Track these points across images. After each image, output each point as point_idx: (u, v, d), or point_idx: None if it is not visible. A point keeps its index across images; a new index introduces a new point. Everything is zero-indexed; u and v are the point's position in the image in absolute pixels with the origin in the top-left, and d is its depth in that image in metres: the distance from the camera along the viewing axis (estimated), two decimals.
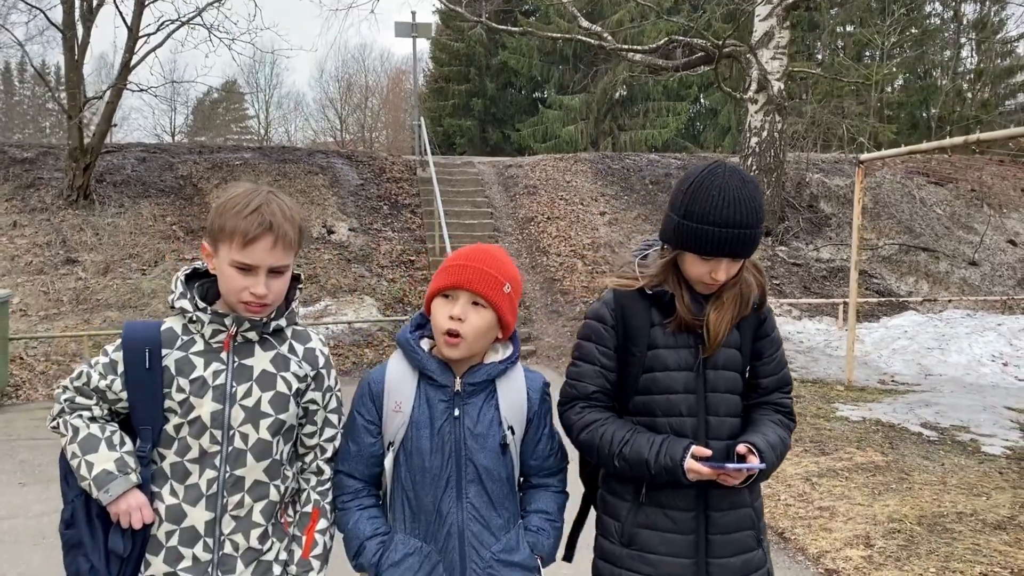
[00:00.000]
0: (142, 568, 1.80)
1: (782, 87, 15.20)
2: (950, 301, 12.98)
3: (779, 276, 14.01)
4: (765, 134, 15.22)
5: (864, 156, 8.24)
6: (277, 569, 1.88)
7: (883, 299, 13.23)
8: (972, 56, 39.49)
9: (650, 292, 1.98)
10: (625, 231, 14.76)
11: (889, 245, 14.98)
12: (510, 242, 14.13)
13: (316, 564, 1.93)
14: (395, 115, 49.02)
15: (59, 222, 12.72)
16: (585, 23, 16.53)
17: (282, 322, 1.88)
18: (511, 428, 1.91)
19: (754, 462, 1.86)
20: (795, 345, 10.56)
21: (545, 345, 11.08)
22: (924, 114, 37.69)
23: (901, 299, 13.29)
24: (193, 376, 1.80)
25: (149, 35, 13.32)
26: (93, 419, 1.83)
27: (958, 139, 6.69)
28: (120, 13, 13.12)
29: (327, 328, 10.92)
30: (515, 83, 37.86)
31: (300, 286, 1.97)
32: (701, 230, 1.83)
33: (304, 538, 1.93)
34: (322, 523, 1.95)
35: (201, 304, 1.82)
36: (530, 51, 33.88)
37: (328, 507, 1.97)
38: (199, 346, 1.83)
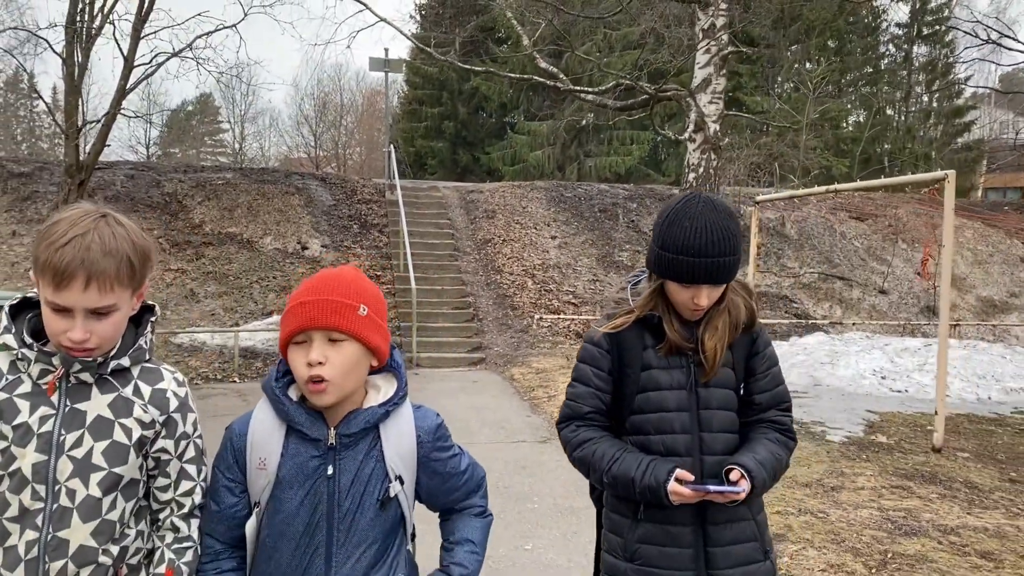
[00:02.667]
0: None
1: (718, 128, 16.83)
2: (854, 324, 14.64)
3: None
4: (702, 170, 16.82)
5: (759, 197, 9.82)
6: None
7: (794, 320, 14.86)
8: (924, 96, 41.92)
9: (642, 317, 2.07)
10: (573, 254, 16.27)
11: (810, 273, 16.65)
12: (468, 261, 15.56)
13: None
14: (369, 134, 50.15)
15: None
16: (543, 64, 18.07)
17: (124, 361, 1.65)
18: (399, 477, 1.72)
19: (743, 486, 1.90)
20: None
21: (494, 354, 12.48)
22: (877, 149, 39.89)
23: (811, 321, 14.93)
24: (16, 422, 1.57)
25: (145, 65, 14.64)
26: None
27: (822, 188, 8.27)
28: (118, 44, 14.45)
29: None
30: (486, 108, 39.33)
31: (153, 318, 1.75)
32: (676, 260, 1.93)
33: None
34: None
35: (28, 340, 1.61)
36: (500, 78, 35.33)
37: (185, 568, 1.72)
38: (26, 387, 1.60)
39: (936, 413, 6.94)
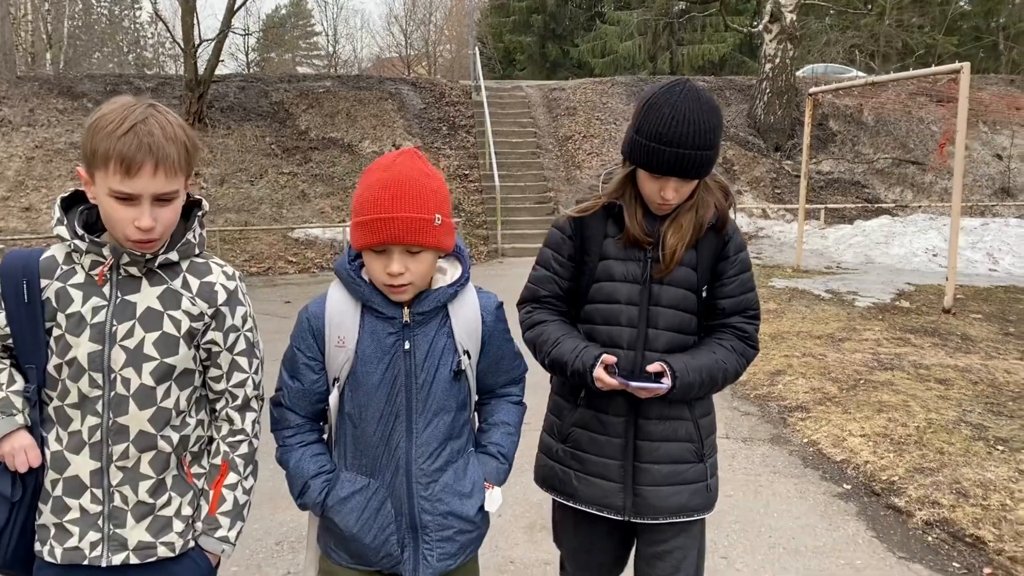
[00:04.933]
0: (37, 516, 1.67)
1: (794, 19, 17.09)
2: (920, 207, 15.12)
3: (781, 186, 16.28)
4: (778, 60, 17.23)
5: (813, 89, 10.49)
6: (179, 525, 1.73)
7: (864, 205, 15.45)
8: None
9: (607, 205, 2.04)
10: None
11: (883, 159, 17.02)
12: (550, 158, 16.65)
13: (225, 521, 1.78)
14: (459, 30, 50.15)
15: None
16: None
17: (172, 255, 1.67)
18: (467, 352, 1.84)
19: (664, 382, 1.92)
20: (773, 242, 13.01)
21: None
22: (991, 24, 37.90)
23: (879, 205, 15.48)
24: (70, 311, 1.63)
25: None
26: None
27: (861, 80, 8.92)
28: None
29: None
30: None
31: (200, 212, 1.76)
32: (649, 147, 1.87)
33: (211, 493, 1.78)
34: (231, 477, 1.80)
35: (79, 231, 1.63)
36: None
37: (240, 460, 1.81)
38: (79, 278, 1.64)
39: (947, 280, 7.84)
